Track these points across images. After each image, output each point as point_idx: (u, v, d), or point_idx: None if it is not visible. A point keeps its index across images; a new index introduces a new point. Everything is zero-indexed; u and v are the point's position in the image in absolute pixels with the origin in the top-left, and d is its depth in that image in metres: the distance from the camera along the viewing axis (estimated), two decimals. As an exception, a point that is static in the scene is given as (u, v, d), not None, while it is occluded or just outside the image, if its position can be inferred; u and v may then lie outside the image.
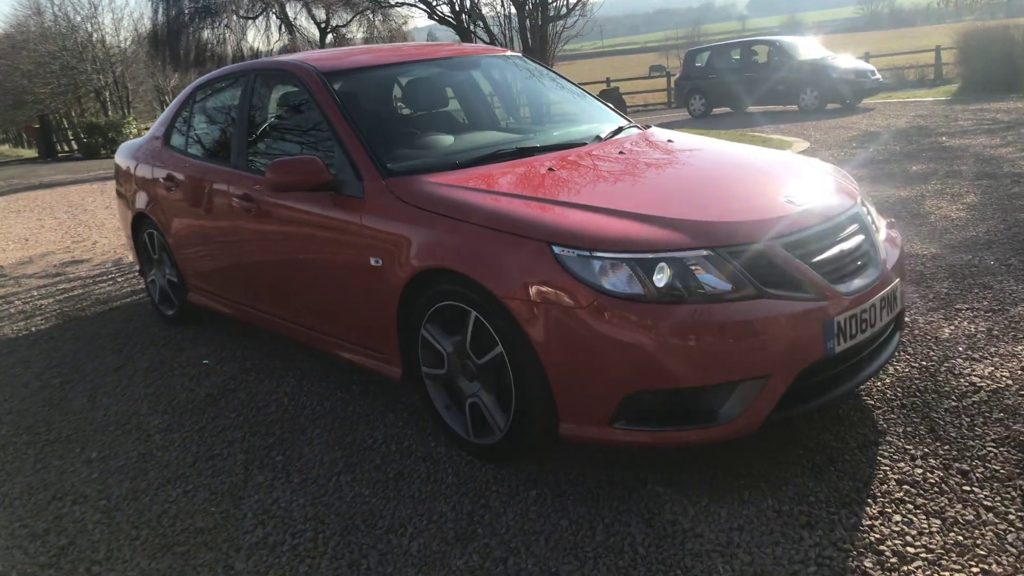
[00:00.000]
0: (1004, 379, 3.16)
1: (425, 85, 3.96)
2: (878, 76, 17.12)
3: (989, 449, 2.69)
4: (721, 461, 2.77)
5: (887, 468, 2.65)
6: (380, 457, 3.06)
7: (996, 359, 3.35)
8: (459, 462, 2.96)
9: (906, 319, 3.86)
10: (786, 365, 2.51)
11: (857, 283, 2.69)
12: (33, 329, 5.30)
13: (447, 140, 3.59)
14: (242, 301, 4.18)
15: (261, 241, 3.80)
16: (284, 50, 19.37)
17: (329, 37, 20.36)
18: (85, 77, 35.56)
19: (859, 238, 2.81)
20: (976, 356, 3.40)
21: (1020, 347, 3.44)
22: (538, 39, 9.72)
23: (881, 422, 2.94)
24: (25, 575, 2.58)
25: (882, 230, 3.09)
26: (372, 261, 3.13)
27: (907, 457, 2.70)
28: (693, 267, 2.49)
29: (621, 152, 3.34)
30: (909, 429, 2.88)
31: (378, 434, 3.25)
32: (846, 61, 17.10)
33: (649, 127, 4.02)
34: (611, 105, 4.26)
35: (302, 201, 3.43)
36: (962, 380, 3.20)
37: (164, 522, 2.78)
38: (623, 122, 3.97)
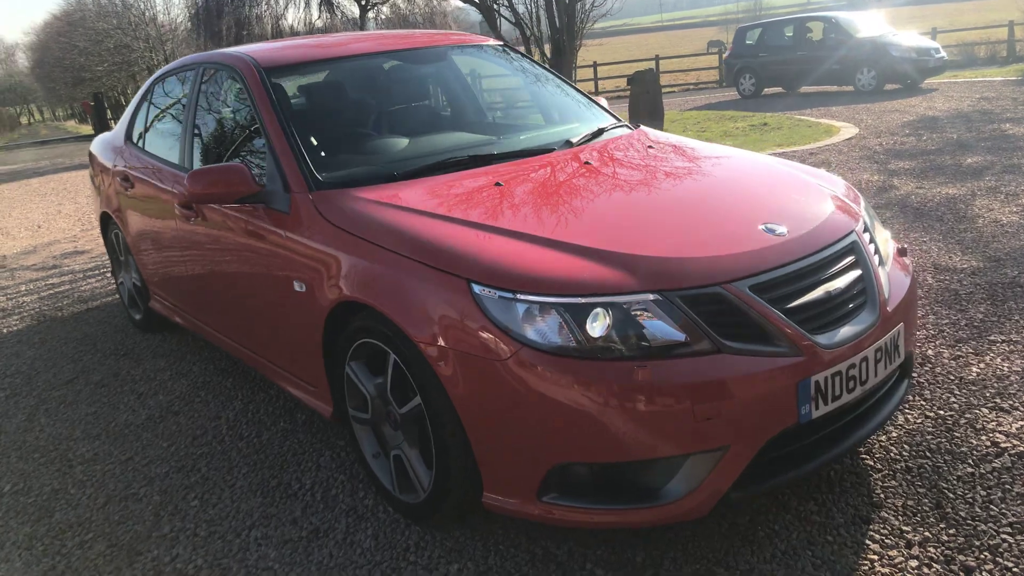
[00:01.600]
0: (1007, 443, 2.65)
1: (384, 80, 3.55)
2: (942, 54, 16.01)
3: (1003, 538, 2.21)
4: (678, 539, 2.34)
5: (875, 558, 2.19)
6: (301, 508, 2.72)
7: (1029, 411, 2.83)
8: (383, 520, 2.60)
9: (928, 351, 3.35)
10: (748, 435, 2.07)
11: (845, 332, 2.21)
12: (4, 331, 5.10)
13: (399, 144, 3.19)
14: (192, 314, 3.88)
15: (203, 251, 3.47)
16: (323, 29, 19.12)
17: (371, 15, 20.03)
18: (138, 55, 35.96)
19: (853, 274, 2.33)
20: (1006, 406, 2.88)
21: (1060, 395, 2.91)
22: (564, 17, 9.19)
23: (878, 491, 2.47)
24: None
25: (889, 259, 2.60)
26: (296, 286, 2.77)
27: (902, 543, 2.23)
28: (637, 314, 2.06)
29: (587, 163, 2.90)
30: (911, 503, 2.40)
31: (307, 478, 2.90)
32: (908, 38, 16.04)
33: (638, 127, 3.56)
34: (601, 102, 3.80)
35: (237, 211, 3.08)
36: (984, 438, 2.69)
37: (47, 581, 2.49)
38: (609, 122, 3.52)
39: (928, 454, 2.64)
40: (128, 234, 4.36)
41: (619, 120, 3.63)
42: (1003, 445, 2.63)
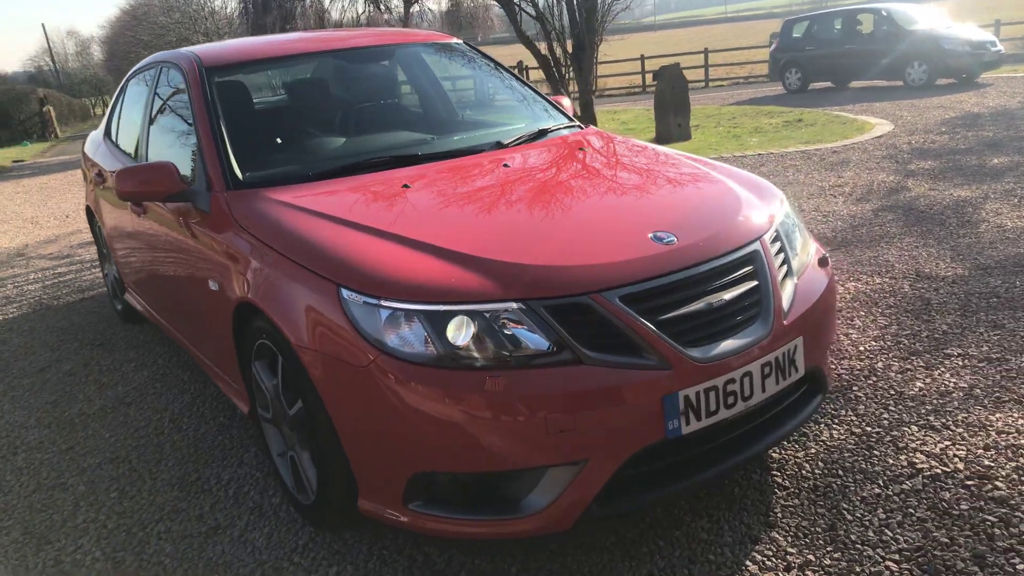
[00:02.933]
0: (955, 461, 2.52)
1: (328, 79, 3.56)
2: (999, 47, 15.32)
3: (888, 565, 2.10)
4: (559, 551, 2.30)
5: (748, 581, 2.11)
6: (210, 504, 2.75)
7: (959, 430, 2.69)
8: (281, 520, 2.61)
9: (877, 364, 3.21)
10: (608, 449, 2.01)
11: (726, 345, 2.13)
12: (1, 318, 5.30)
13: (332, 144, 3.19)
14: (151, 307, 3.97)
15: (149, 246, 3.55)
16: (364, 24, 19.32)
17: (415, 8, 20.14)
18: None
19: (746, 286, 2.24)
20: (937, 424, 2.74)
21: (999, 415, 2.76)
22: (582, 12, 9.08)
23: (777, 510, 2.39)
24: None
25: (804, 270, 2.49)
26: (211, 284, 2.80)
27: (781, 566, 2.15)
28: (499, 323, 2.02)
29: (505, 165, 2.85)
30: (805, 524, 2.31)
31: (225, 474, 2.94)
32: (963, 30, 15.39)
33: (587, 128, 3.49)
34: (564, 102, 3.74)
35: (170, 208, 3.13)
36: (902, 458, 2.57)
37: (-43, 565, 2.58)
38: (558, 123, 3.46)
39: (840, 473, 2.53)
40: (104, 227, 4.48)
41: (571, 121, 3.57)
42: (920, 466, 2.51)
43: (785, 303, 2.30)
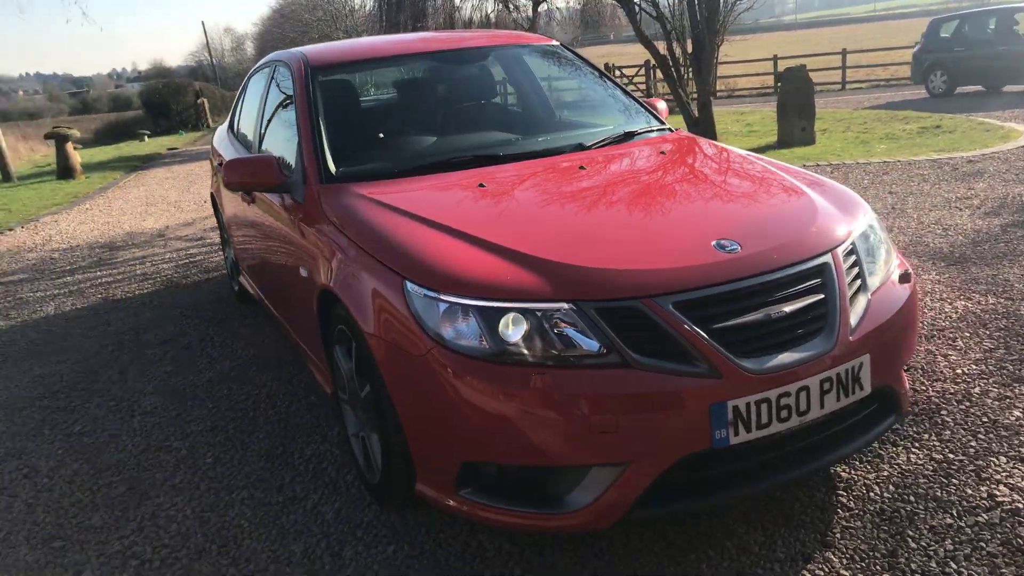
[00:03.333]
0: (1007, 496, 2.36)
1: (425, 80, 3.70)
2: None
3: (944, 599, 2.02)
4: (607, 550, 2.33)
5: (793, 599, 2.08)
6: (291, 476, 2.95)
7: (1052, 465, 2.52)
8: (352, 496, 2.77)
9: (974, 389, 3.04)
10: (652, 454, 2.03)
11: (783, 358, 2.10)
12: (135, 292, 5.80)
13: (424, 142, 3.33)
14: (257, 287, 4.25)
15: (257, 233, 3.81)
16: (494, 24, 19.64)
17: (543, 8, 20.29)
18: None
19: (812, 298, 2.19)
20: (1029, 456, 2.58)
21: (1100, 451, 2.56)
22: (704, 10, 8.90)
23: (836, 531, 2.32)
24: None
25: (879, 285, 2.40)
26: (301, 271, 2.99)
27: (830, 588, 2.10)
28: (551, 322, 2.08)
29: (581, 167, 2.89)
30: (864, 548, 2.24)
31: (308, 450, 3.13)
32: None
33: (672, 132, 3.47)
34: (648, 104, 3.73)
35: (272, 198, 3.36)
36: (983, 489, 2.44)
37: (71, 513, 2.87)
38: (647, 126, 3.46)
39: (912, 499, 2.43)
40: (224, 214, 4.83)
41: (662, 124, 3.56)
42: (1001, 499, 2.37)
43: (853, 319, 2.23)
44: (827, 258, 2.28)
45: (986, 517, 2.31)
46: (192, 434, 3.39)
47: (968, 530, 2.26)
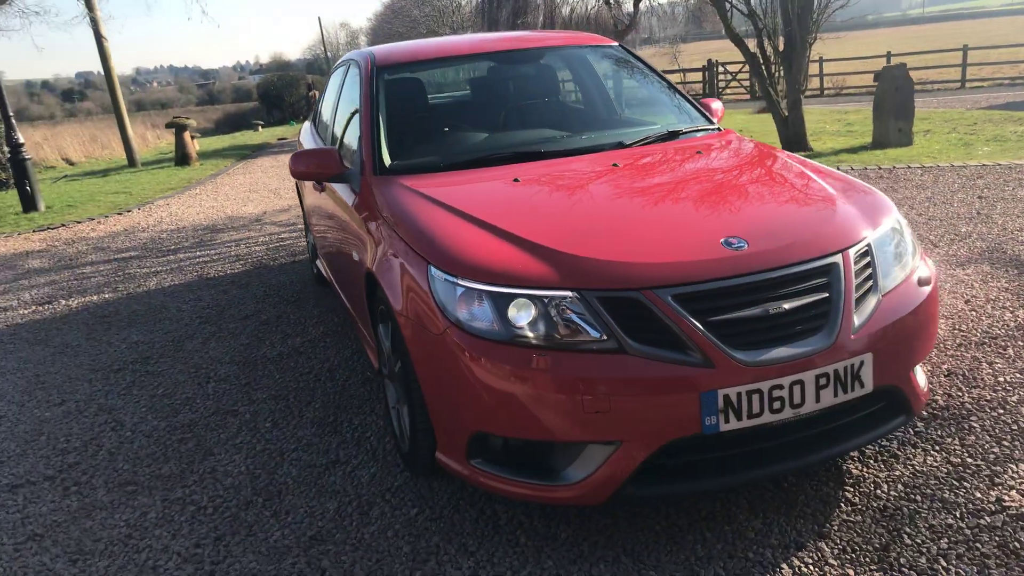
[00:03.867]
0: (1016, 501, 2.35)
1: (484, 79, 3.89)
2: None
3: (925, 593, 2.06)
4: (609, 526, 2.47)
5: (775, 582, 2.17)
6: (337, 442, 3.21)
7: (1072, 475, 2.49)
8: (387, 463, 3.00)
9: (1012, 397, 3.00)
10: (643, 435, 2.16)
11: (778, 352, 2.18)
12: (227, 272, 6.26)
13: (476, 138, 3.52)
14: (327, 270, 4.56)
15: (325, 219, 4.10)
16: (593, 20, 19.63)
17: (643, 4, 20.12)
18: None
19: (815, 296, 2.27)
20: (1049, 465, 2.55)
21: None
22: (796, 7, 8.72)
23: (835, 523, 2.38)
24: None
25: (892, 286, 2.44)
26: (355, 255, 3.25)
27: (815, 574, 2.17)
28: (557, 309, 2.23)
29: (615, 165, 3.02)
30: (858, 541, 2.30)
31: (356, 420, 3.39)
32: None
33: (720, 132, 3.54)
34: (702, 104, 3.81)
35: (335, 187, 3.63)
36: (993, 493, 2.44)
37: (146, 463, 3.22)
38: (690, 126, 3.54)
39: (918, 499, 2.46)
40: (304, 201, 5.18)
41: (711, 124, 3.63)
42: (1008, 503, 2.38)
43: (858, 318, 2.29)
44: (836, 259, 2.34)
45: (988, 520, 2.32)
46: (257, 401, 3.71)
47: (967, 531, 2.28)
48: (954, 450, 2.70)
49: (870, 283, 2.39)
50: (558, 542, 2.43)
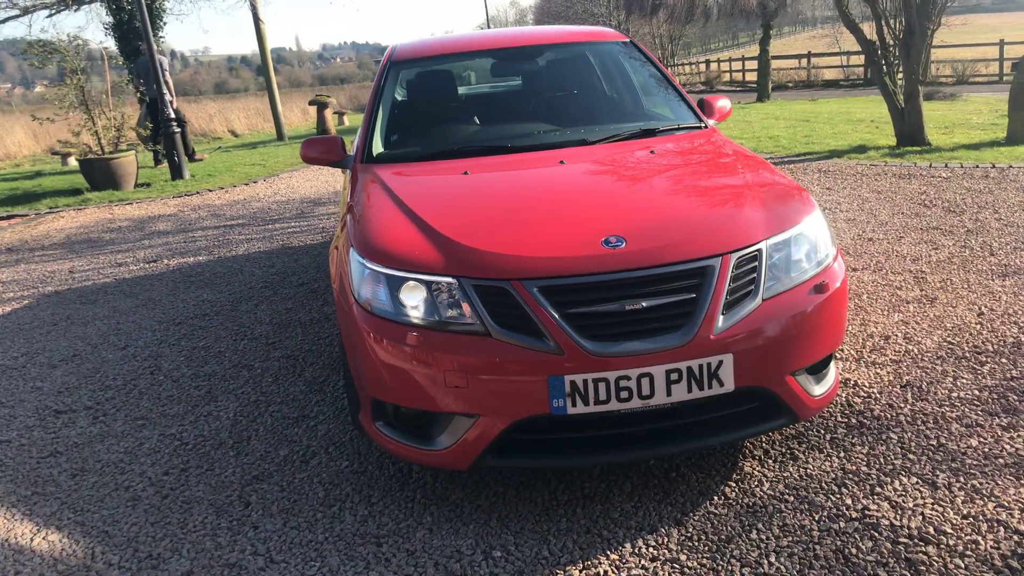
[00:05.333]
0: (915, 518, 2.35)
1: (485, 74, 4.12)
2: None
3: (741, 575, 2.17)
4: (504, 490, 2.71)
5: (603, 559, 2.34)
6: (316, 400, 3.62)
7: (958, 493, 2.45)
8: (345, 422, 3.37)
9: (951, 413, 2.94)
10: (497, 411, 2.39)
11: (629, 345, 2.33)
12: (307, 242, 6.87)
13: (455, 132, 3.78)
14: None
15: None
16: (737, 10, 18.97)
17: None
18: (601, 21, 39.19)
19: (680, 296, 2.38)
20: (941, 481, 2.53)
21: (1018, 491, 2.44)
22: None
23: (698, 513, 2.50)
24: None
25: (778, 291, 2.49)
26: (344, 235, 3.62)
27: (648, 555, 2.33)
28: (438, 293, 2.49)
29: (561, 162, 3.19)
30: (708, 530, 2.41)
31: (341, 382, 3.78)
32: None
33: (701, 130, 3.60)
34: (704, 102, 3.86)
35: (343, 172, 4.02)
36: (864, 501, 2.46)
37: (161, 402, 3.77)
38: (669, 124, 3.63)
39: (790, 499, 2.52)
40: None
41: (698, 123, 3.69)
42: (870, 513, 2.40)
43: (723, 320, 2.38)
44: (712, 262, 2.43)
45: (840, 526, 2.36)
46: (272, 358, 4.19)
47: (814, 534, 2.34)
48: (856, 458, 2.72)
49: (751, 287, 2.47)
50: (446, 502, 2.70)
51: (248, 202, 9.38)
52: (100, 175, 10.72)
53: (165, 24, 14.42)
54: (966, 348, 3.52)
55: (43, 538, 2.70)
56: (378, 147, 3.61)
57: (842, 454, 2.75)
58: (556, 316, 2.34)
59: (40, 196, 11.04)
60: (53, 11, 14.80)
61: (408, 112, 3.94)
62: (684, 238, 2.50)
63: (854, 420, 2.98)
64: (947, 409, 2.99)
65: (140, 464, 3.17)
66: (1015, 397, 3.02)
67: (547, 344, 2.33)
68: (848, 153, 9.17)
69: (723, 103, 3.98)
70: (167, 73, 11.93)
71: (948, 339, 3.64)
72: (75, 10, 14.79)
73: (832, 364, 2.78)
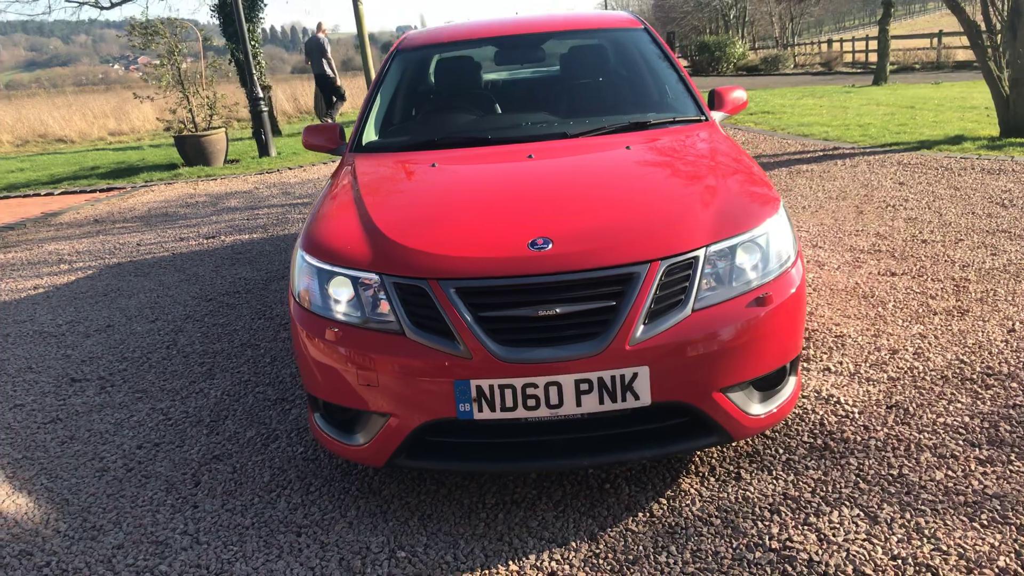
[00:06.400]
0: (838, 553, 2.18)
1: (487, 62, 4.05)
2: None
3: (619, 607, 2.08)
4: (436, 489, 2.70)
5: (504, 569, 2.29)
6: (299, 385, 3.69)
7: (898, 531, 2.26)
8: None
9: (929, 441, 2.71)
10: (407, 412, 2.37)
11: (538, 352, 2.25)
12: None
13: (441, 122, 3.74)
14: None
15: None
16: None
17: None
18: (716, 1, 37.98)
19: (599, 303, 2.28)
20: (883, 516, 2.33)
21: (972, 534, 2.22)
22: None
23: (616, 529, 2.41)
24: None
25: (713, 302, 2.35)
26: (310, 225, 3.67)
27: (548, 565, 2.26)
28: (365, 288, 2.48)
29: (529, 156, 3.10)
30: (619, 548, 2.32)
31: (330, 366, 3.85)
32: None
33: (701, 123, 3.42)
34: (697, 96, 3.67)
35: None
36: (788, 532, 2.30)
37: (164, 377, 3.95)
38: (664, 117, 3.47)
39: (715, 522, 2.39)
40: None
41: (699, 115, 3.51)
42: (791, 545, 2.24)
43: (645, 331, 2.26)
44: (638, 268, 2.31)
45: (754, 556, 2.22)
46: (279, 339, 4.31)
47: (724, 562, 2.21)
48: (804, 483, 2.54)
49: (681, 297, 2.33)
50: (378, 497, 2.70)
51: (319, 181, 9.66)
52: (192, 151, 11.30)
53: (266, 5, 14.93)
54: (977, 368, 3.22)
55: (13, 501, 2.89)
56: (370, 135, 3.62)
57: (791, 477, 2.58)
58: (469, 319, 2.29)
59: (141, 170, 11.76)
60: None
61: (405, 101, 3.93)
62: (613, 243, 2.39)
63: (819, 441, 2.78)
64: (926, 436, 2.75)
65: (122, 436, 3.34)
66: (1007, 428, 2.74)
67: (457, 347, 2.29)
68: (940, 144, 8.53)
69: (737, 94, 3.77)
70: (328, 52, 14.48)
71: (962, 357, 3.34)
72: (187, -8, 15.49)
73: (791, 380, 2.60)
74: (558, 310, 2.28)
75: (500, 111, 3.80)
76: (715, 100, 3.73)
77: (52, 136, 21.22)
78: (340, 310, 2.49)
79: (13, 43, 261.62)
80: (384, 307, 2.42)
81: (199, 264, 6.13)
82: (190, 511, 2.72)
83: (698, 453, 2.75)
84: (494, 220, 2.61)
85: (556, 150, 3.18)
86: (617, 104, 3.73)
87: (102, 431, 3.40)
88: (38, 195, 10.57)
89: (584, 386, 2.25)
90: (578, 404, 2.27)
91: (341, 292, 2.52)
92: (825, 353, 3.50)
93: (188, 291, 5.41)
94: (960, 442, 2.69)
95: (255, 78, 11.69)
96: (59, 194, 10.51)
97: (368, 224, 2.65)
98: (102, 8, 14.94)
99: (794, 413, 2.99)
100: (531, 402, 2.27)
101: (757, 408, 2.45)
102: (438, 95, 4.04)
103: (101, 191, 10.46)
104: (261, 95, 11.70)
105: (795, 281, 2.53)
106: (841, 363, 3.38)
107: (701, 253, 2.39)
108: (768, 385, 2.53)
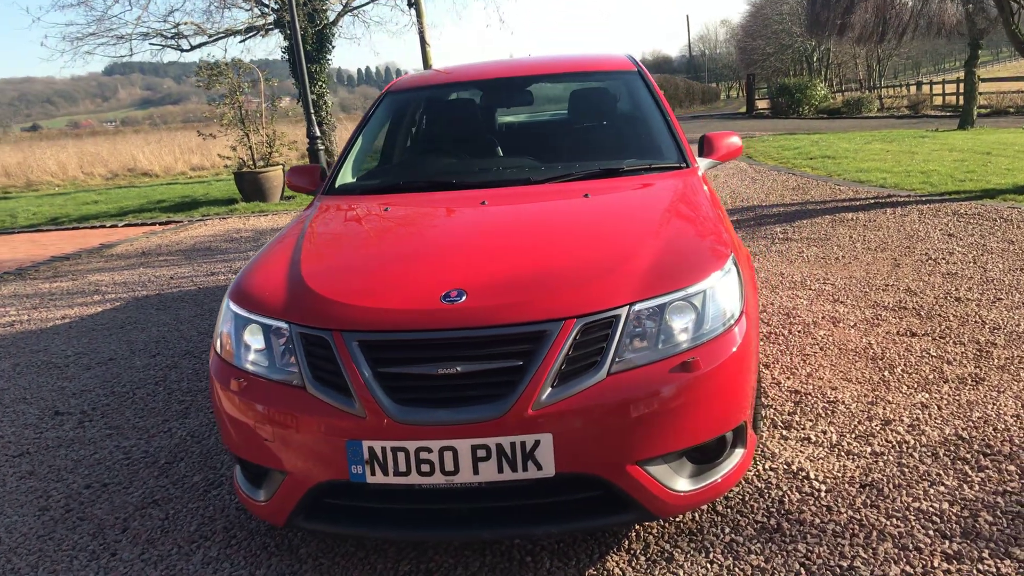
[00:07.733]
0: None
1: (471, 105, 3.96)
2: None
3: None
4: (361, 547, 2.57)
5: (391, 645, 2.12)
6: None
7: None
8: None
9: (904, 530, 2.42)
10: (302, 471, 2.25)
11: (434, 414, 2.10)
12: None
13: (413, 166, 3.68)
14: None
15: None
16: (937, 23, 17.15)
17: None
18: (799, 41, 37.29)
19: (505, 363, 2.12)
20: None
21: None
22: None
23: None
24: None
25: (633, 365, 2.15)
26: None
27: (433, 651, 2.08)
28: (276, 337, 2.39)
29: (483, 203, 2.96)
30: None
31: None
32: None
33: (679, 170, 3.23)
34: (682, 142, 3.48)
35: None
36: (706, 627, 2.06)
37: (138, 416, 3.96)
38: (644, 163, 3.29)
39: (630, 609, 2.17)
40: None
41: (679, 163, 3.31)
42: (704, 644, 2.00)
43: (551, 395, 2.09)
44: (550, 326, 2.15)
45: (659, 654, 1.99)
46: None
47: (625, 659, 1.99)
48: (739, 570, 2.29)
49: (596, 358, 2.15)
50: (292, 556, 2.57)
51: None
52: (250, 187, 11.63)
53: (333, 48, 15.41)
54: (975, 447, 2.89)
55: (-50, 536, 2.89)
56: (346, 177, 3.58)
57: (729, 562, 2.33)
58: (366, 375, 2.16)
59: (202, 204, 12.16)
60: (245, 37, 16.27)
61: (386, 144, 3.88)
62: (526, 298, 2.23)
63: (772, 521, 2.52)
64: (893, 523, 2.45)
65: (76, 474, 3.32)
66: (987, 518, 2.42)
67: (352, 404, 2.16)
68: (1006, 193, 7.99)
69: (731, 140, 3.58)
70: None
71: (962, 432, 3.01)
72: (263, 36, 16.17)
73: (736, 452, 2.37)
74: (459, 368, 2.13)
75: (475, 156, 3.69)
76: (705, 146, 3.55)
77: (139, 170, 22.34)
78: (250, 359, 2.40)
79: (131, 83, 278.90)
80: (293, 359, 2.31)
81: (218, 299, 6.20)
82: (106, 559, 2.66)
83: (636, 526, 2.53)
84: (416, 269, 2.49)
85: (511, 197, 3.05)
86: (592, 150, 3.57)
87: (60, 468, 3.40)
88: (103, 227, 11.04)
89: (481, 452, 2.09)
90: (475, 472, 2.10)
91: (253, 340, 2.43)
92: (811, 420, 3.21)
93: (198, 326, 5.46)
94: (930, 532, 2.39)
95: (312, 117, 11.99)
96: (123, 226, 10.95)
97: (294, 271, 2.57)
98: (182, 51, 15.70)
99: (755, 487, 2.73)
100: (425, 467, 2.11)
101: (684, 484, 2.23)
102: (416, 139, 3.97)
103: (160, 224, 10.85)
104: (319, 134, 11.99)
105: (736, 341, 2.31)
106: (825, 432, 3.09)
107: (623, 311, 2.20)
108: (705, 458, 2.31)
